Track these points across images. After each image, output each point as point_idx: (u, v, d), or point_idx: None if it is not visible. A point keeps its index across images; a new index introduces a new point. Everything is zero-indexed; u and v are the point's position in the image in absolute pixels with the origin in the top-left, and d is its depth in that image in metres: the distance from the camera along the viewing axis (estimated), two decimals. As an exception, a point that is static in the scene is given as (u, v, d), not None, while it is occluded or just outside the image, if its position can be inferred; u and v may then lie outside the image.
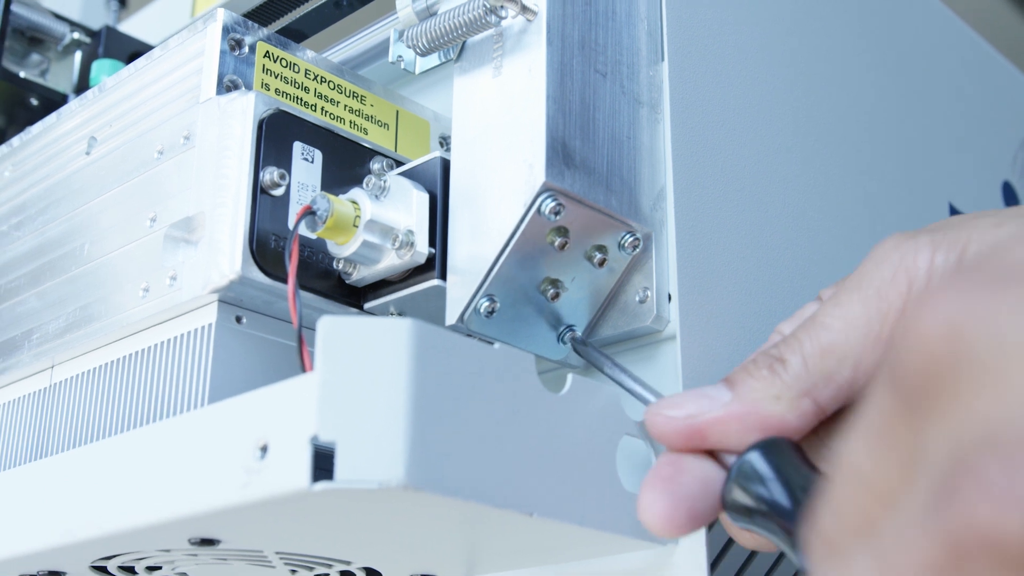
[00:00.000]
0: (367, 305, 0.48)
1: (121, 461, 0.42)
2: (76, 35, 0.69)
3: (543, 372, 0.46)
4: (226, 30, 0.49)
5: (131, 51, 0.69)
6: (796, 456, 0.36)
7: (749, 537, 0.39)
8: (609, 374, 0.44)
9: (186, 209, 0.47)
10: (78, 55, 0.69)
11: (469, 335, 0.45)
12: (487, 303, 0.45)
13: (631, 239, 0.46)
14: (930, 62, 0.71)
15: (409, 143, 0.54)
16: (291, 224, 0.45)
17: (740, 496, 0.36)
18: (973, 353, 0.22)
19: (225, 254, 0.44)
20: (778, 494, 0.35)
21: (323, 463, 0.36)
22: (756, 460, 0.35)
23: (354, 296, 0.48)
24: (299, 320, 0.41)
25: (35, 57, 0.69)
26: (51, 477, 0.46)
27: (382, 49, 0.57)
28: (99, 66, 0.66)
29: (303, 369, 0.40)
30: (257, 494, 0.36)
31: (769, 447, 0.36)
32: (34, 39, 0.69)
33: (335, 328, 0.36)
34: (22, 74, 0.66)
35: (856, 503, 0.25)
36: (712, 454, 0.38)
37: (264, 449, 0.37)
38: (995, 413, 0.21)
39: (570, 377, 0.41)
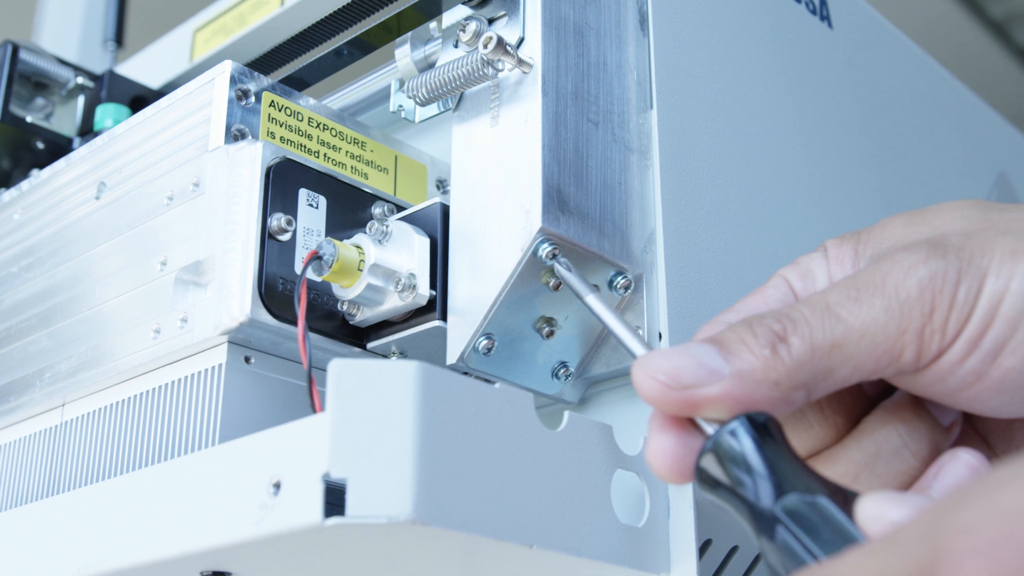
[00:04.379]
0: (370, 345, 0.49)
1: (137, 497, 0.44)
2: (80, 80, 0.70)
3: (539, 408, 0.48)
4: (233, 80, 0.51)
5: (133, 95, 0.71)
6: (777, 435, 0.35)
7: None
8: (591, 307, 0.44)
9: (196, 253, 0.48)
10: (81, 99, 0.71)
11: (466, 372, 0.47)
12: (485, 341, 0.46)
13: (623, 280, 0.48)
14: (908, 102, 0.74)
15: (408, 187, 0.56)
16: (298, 269, 0.47)
17: (714, 469, 0.35)
18: None
19: (235, 297, 0.46)
20: (753, 475, 0.34)
21: (333, 498, 0.38)
22: (738, 436, 0.35)
23: (357, 336, 0.50)
24: (309, 362, 0.42)
25: (39, 101, 0.71)
26: (66, 513, 0.47)
27: (380, 96, 0.59)
28: (103, 110, 0.68)
29: (313, 408, 0.42)
30: (271, 528, 0.38)
31: (752, 424, 0.35)
32: (39, 84, 0.71)
33: (346, 370, 0.38)
34: (28, 118, 0.68)
35: None
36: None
37: (277, 486, 0.38)
38: None
39: (566, 415, 0.43)
